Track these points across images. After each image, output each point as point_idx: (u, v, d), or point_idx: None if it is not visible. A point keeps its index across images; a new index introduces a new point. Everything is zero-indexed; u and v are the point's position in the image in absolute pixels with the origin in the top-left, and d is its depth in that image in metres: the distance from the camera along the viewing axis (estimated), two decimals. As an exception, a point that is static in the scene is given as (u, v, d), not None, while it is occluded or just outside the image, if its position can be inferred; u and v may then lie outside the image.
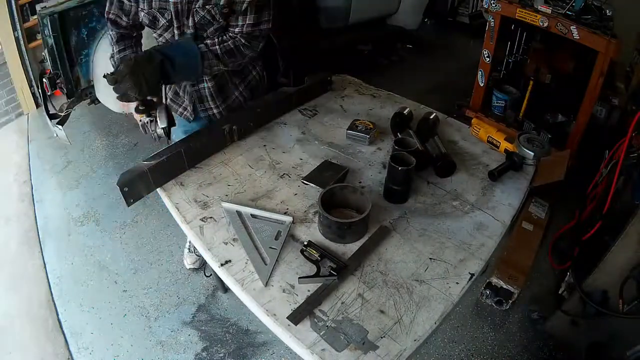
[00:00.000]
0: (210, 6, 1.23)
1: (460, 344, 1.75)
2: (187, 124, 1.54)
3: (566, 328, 1.72)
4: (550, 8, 2.30)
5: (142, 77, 1.11)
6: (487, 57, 2.73)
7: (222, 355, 1.69)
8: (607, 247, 1.53)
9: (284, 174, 1.26)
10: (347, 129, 1.42)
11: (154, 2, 1.25)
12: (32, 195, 2.45)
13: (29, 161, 2.71)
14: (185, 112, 1.49)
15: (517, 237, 1.89)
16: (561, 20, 2.25)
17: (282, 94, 1.55)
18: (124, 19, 1.33)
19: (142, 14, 1.28)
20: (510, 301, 1.79)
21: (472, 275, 0.99)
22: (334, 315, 0.88)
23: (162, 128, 1.20)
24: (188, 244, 2.03)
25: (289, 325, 0.86)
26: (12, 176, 2.60)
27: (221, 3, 1.22)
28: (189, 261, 2.01)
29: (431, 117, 1.46)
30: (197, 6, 1.23)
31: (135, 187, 1.13)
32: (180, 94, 1.47)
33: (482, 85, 2.85)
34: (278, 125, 1.47)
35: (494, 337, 1.79)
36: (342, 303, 0.91)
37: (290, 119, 1.51)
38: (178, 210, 1.12)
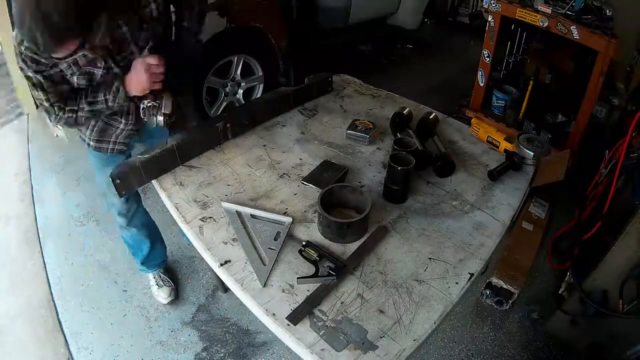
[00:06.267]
0: None
1: (460, 344, 1.75)
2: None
3: (566, 328, 1.72)
4: (550, 8, 2.30)
5: None
6: (487, 57, 2.73)
7: (222, 355, 1.69)
8: (607, 247, 1.53)
9: (284, 173, 1.26)
10: (347, 129, 1.42)
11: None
12: (32, 195, 2.45)
13: (29, 161, 2.71)
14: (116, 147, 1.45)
15: (517, 237, 1.89)
16: (561, 20, 2.25)
17: (281, 93, 1.55)
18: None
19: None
20: (510, 301, 1.79)
21: (472, 275, 0.98)
22: (334, 315, 0.88)
23: (164, 114, 1.24)
24: (153, 279, 1.88)
25: (288, 325, 0.86)
26: (12, 176, 2.60)
27: None
28: (163, 296, 1.85)
29: (431, 117, 1.46)
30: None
31: (127, 179, 1.14)
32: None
33: (482, 85, 2.85)
34: (278, 125, 1.47)
35: (494, 337, 1.79)
36: (341, 303, 0.91)
37: (290, 119, 1.51)
38: (178, 210, 1.12)
